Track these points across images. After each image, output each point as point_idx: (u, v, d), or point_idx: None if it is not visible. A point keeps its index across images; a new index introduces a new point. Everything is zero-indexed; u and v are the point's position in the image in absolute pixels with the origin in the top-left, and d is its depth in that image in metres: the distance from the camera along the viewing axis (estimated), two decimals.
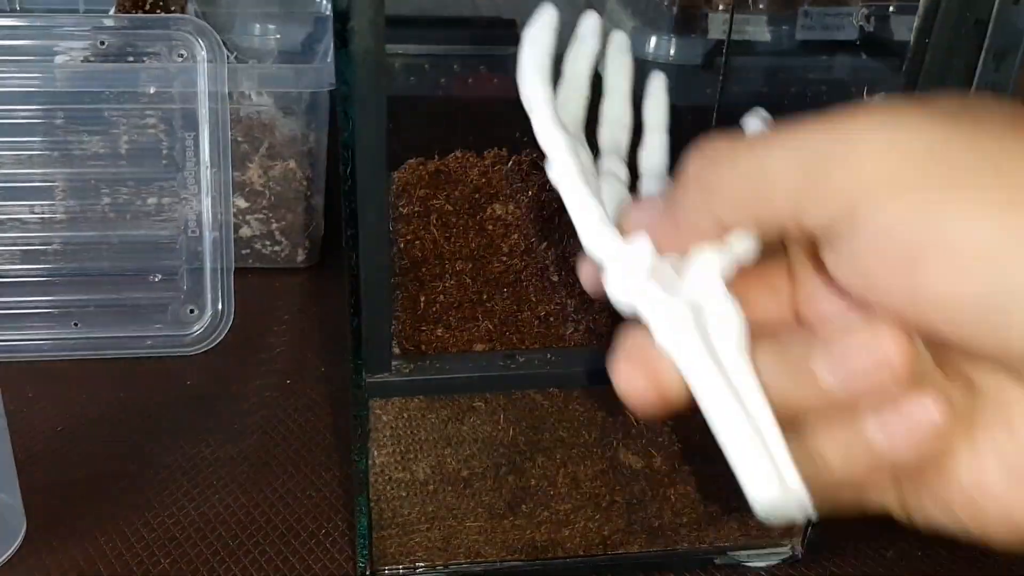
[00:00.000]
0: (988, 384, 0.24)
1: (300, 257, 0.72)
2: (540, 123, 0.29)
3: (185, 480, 0.52)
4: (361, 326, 0.38)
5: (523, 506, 0.45)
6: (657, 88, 0.35)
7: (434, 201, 0.53)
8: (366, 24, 0.32)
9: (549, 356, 0.41)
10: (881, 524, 0.49)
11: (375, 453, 0.42)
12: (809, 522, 0.47)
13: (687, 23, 0.78)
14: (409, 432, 0.43)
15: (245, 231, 0.70)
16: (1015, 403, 0.23)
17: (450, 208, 0.50)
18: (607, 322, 0.44)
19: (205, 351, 0.62)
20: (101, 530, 0.49)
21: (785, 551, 0.48)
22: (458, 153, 0.56)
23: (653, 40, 0.79)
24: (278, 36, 0.82)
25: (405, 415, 0.43)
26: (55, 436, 0.55)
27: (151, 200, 0.64)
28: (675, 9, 0.81)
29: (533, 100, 0.29)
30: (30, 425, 0.56)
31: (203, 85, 0.61)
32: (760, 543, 0.48)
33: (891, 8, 0.86)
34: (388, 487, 0.43)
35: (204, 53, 0.61)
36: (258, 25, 0.83)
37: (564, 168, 0.29)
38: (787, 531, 0.48)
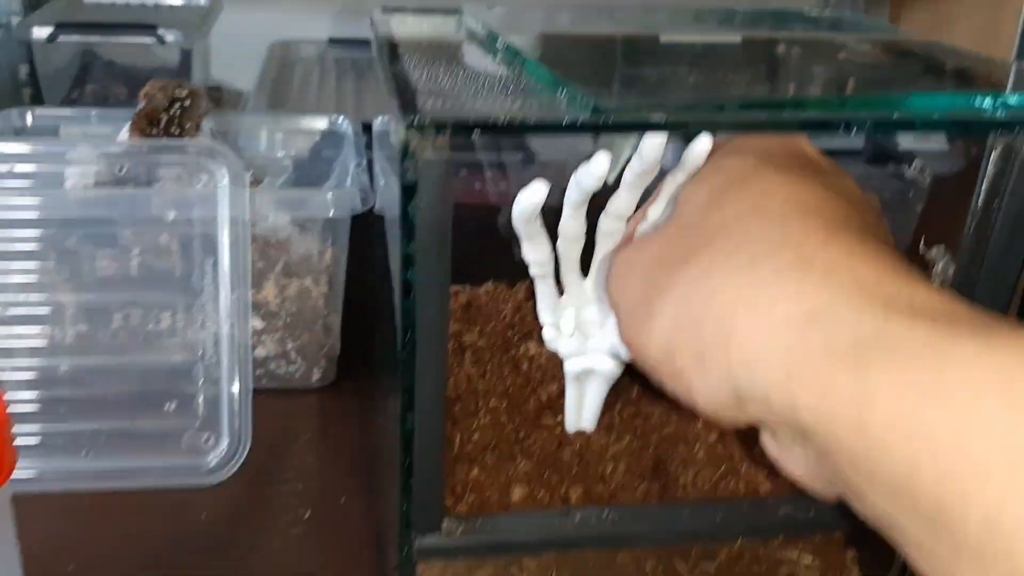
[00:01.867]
0: None
1: (315, 377, 0.70)
2: (527, 248, 0.40)
3: None
4: (413, 486, 0.36)
5: None
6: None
7: (466, 337, 0.52)
8: (432, 195, 0.31)
9: (607, 514, 0.39)
10: None
11: None
12: None
13: None
14: None
15: (259, 351, 0.69)
16: None
17: (483, 344, 0.49)
18: (650, 462, 0.43)
19: (221, 481, 0.60)
20: None
21: None
22: (490, 286, 0.55)
23: None
24: (286, 151, 0.82)
25: (449, 572, 0.41)
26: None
27: (164, 324, 0.63)
28: None
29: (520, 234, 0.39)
30: (38, 562, 0.52)
31: (224, 210, 0.60)
32: None
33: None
34: None
35: (225, 178, 0.60)
36: (265, 134, 0.82)
37: (538, 272, 0.41)
38: None
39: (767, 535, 0.41)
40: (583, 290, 0.43)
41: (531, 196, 0.38)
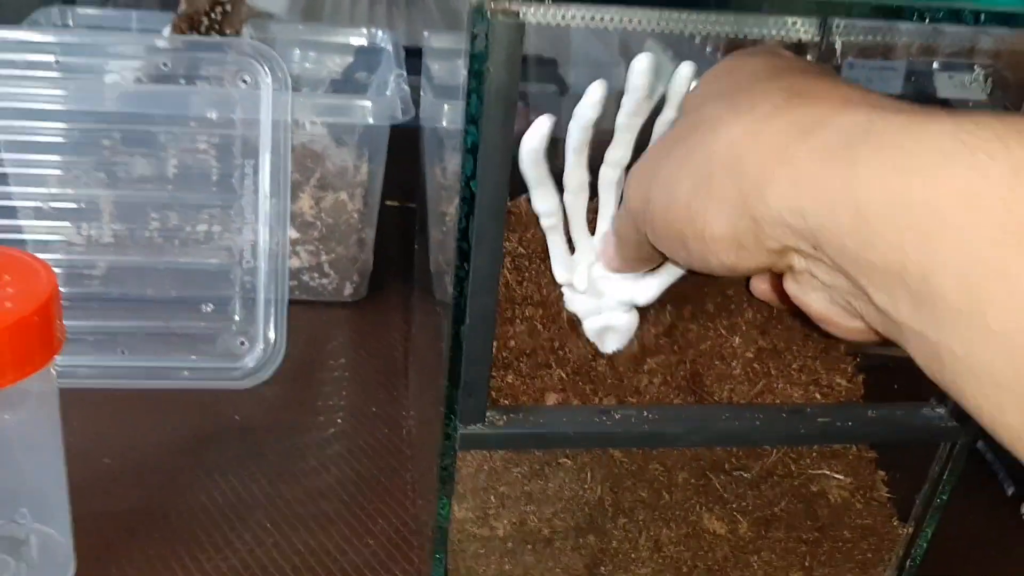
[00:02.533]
0: None
1: (347, 291, 0.71)
2: (535, 197, 0.41)
3: (237, 521, 0.50)
4: (461, 374, 0.36)
5: (601, 568, 0.43)
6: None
7: (506, 244, 0.52)
8: (502, 62, 0.31)
9: (646, 414, 0.39)
10: None
11: (454, 507, 0.41)
12: None
13: None
14: (491, 486, 0.41)
15: (294, 262, 0.69)
16: None
17: (523, 251, 0.49)
18: (685, 374, 0.43)
19: (255, 385, 0.60)
20: (153, 571, 0.47)
21: None
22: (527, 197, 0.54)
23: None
24: (323, 64, 0.81)
25: (486, 467, 0.41)
26: (102, 469, 0.53)
27: (201, 227, 0.63)
28: (719, 55, 0.80)
29: (529, 182, 0.40)
30: (75, 455, 0.53)
31: (266, 112, 0.60)
32: None
33: (935, 64, 0.86)
34: (466, 543, 0.42)
35: (269, 80, 0.59)
36: (298, 51, 0.82)
37: (549, 224, 0.42)
38: None
39: (803, 442, 0.41)
40: (592, 246, 0.43)
41: (536, 133, 0.38)
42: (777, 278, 0.36)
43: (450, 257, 0.36)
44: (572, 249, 0.43)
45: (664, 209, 0.34)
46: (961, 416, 0.40)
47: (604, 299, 0.43)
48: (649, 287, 0.42)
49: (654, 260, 0.39)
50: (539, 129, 0.39)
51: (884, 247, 0.27)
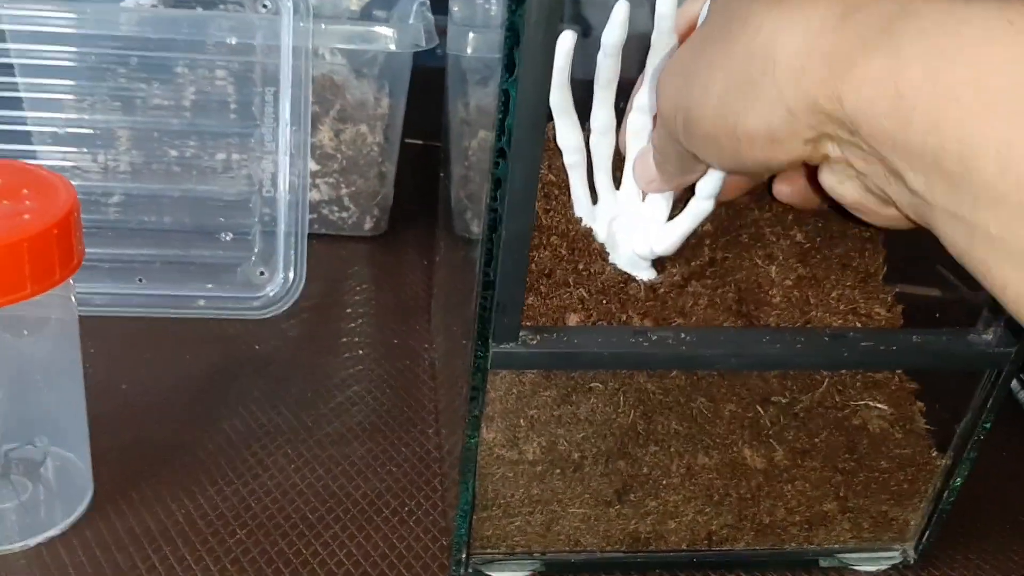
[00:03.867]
0: None
1: (368, 225, 0.70)
2: (559, 128, 0.41)
3: (258, 447, 0.50)
4: (495, 291, 0.35)
5: (632, 494, 0.42)
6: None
7: None
8: None
9: (683, 336, 0.38)
10: (1000, 534, 0.46)
11: (483, 429, 0.40)
12: (925, 527, 0.45)
13: None
14: (520, 409, 0.40)
15: (313, 195, 0.68)
16: None
17: (552, 179, 0.47)
18: (734, 296, 0.41)
19: (274, 316, 0.59)
20: (172, 495, 0.46)
21: (896, 556, 0.46)
22: None
23: None
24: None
25: (515, 390, 0.40)
26: (119, 396, 0.53)
27: (219, 156, 0.62)
28: None
29: (554, 109, 0.40)
30: (92, 383, 0.52)
31: (287, 39, 0.58)
32: (871, 546, 0.46)
33: None
34: (494, 466, 0.41)
35: (289, 5, 0.58)
36: None
37: (571, 161, 0.42)
38: (899, 535, 0.46)
39: (845, 367, 0.40)
40: (615, 200, 0.42)
41: (560, 50, 0.37)
42: (811, 171, 0.35)
43: (472, 191, 0.35)
44: (595, 199, 0.42)
45: (697, 107, 0.33)
46: (1010, 343, 0.39)
47: (620, 252, 0.42)
48: (670, 234, 0.40)
49: (696, 171, 0.37)
50: (563, 45, 0.38)
51: (923, 128, 0.27)
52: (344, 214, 0.69)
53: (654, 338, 0.38)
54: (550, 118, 0.53)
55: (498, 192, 0.33)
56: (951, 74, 0.26)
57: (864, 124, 0.29)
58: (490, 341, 0.36)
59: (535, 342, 0.37)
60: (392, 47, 0.62)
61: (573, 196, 0.42)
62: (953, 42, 0.26)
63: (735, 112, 0.32)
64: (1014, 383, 0.60)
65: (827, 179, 0.34)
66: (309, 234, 0.63)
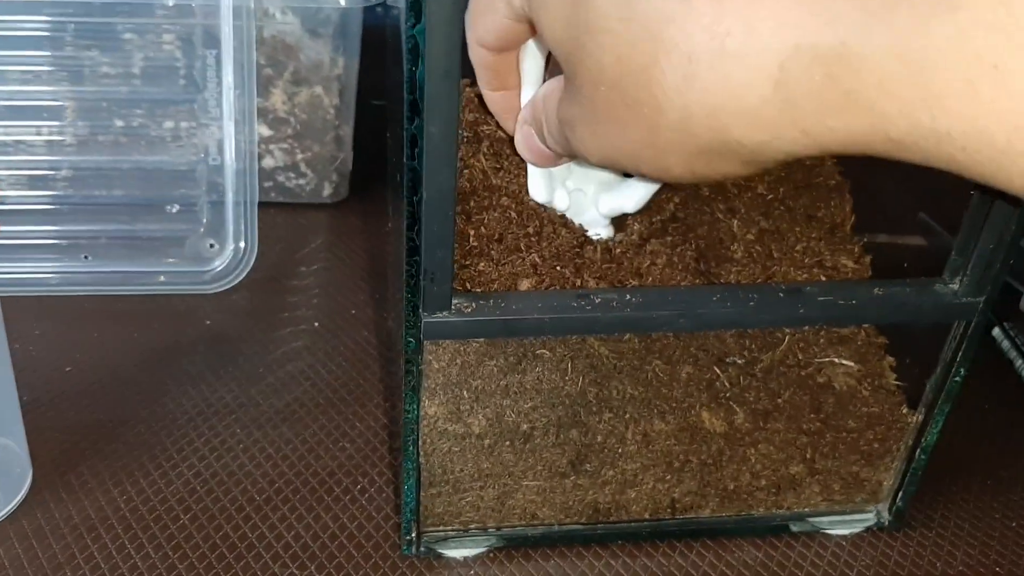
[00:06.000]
0: None
1: (327, 191, 0.67)
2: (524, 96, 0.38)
3: (206, 428, 0.48)
4: (421, 257, 0.33)
5: (587, 465, 0.40)
6: None
7: (484, 127, 0.48)
8: None
9: (628, 297, 0.36)
10: (979, 492, 0.45)
11: (425, 403, 0.38)
12: (899, 487, 0.43)
13: None
14: (464, 380, 0.38)
15: (268, 161, 0.65)
16: None
17: (503, 136, 0.45)
18: (693, 254, 0.39)
19: (226, 290, 0.57)
20: (115, 480, 0.45)
21: (870, 518, 0.44)
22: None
23: None
24: None
25: (459, 361, 0.38)
26: (63, 377, 0.51)
27: (167, 124, 0.59)
28: None
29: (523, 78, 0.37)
30: (36, 364, 0.51)
31: None
32: (843, 509, 0.44)
33: None
34: (439, 441, 0.39)
35: None
36: None
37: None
38: (872, 496, 0.44)
39: (802, 323, 0.38)
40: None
41: None
42: None
43: None
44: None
45: (654, 142, 0.29)
46: (976, 292, 0.37)
47: (585, 215, 0.39)
48: (636, 192, 0.38)
49: None
50: None
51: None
52: (301, 181, 0.66)
53: (597, 301, 0.36)
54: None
55: (415, 151, 0.31)
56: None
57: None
58: (420, 311, 0.34)
59: (470, 310, 0.35)
60: (342, 3, 0.59)
61: (529, 178, 0.39)
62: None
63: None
64: (997, 331, 0.57)
65: None
66: (266, 202, 0.61)
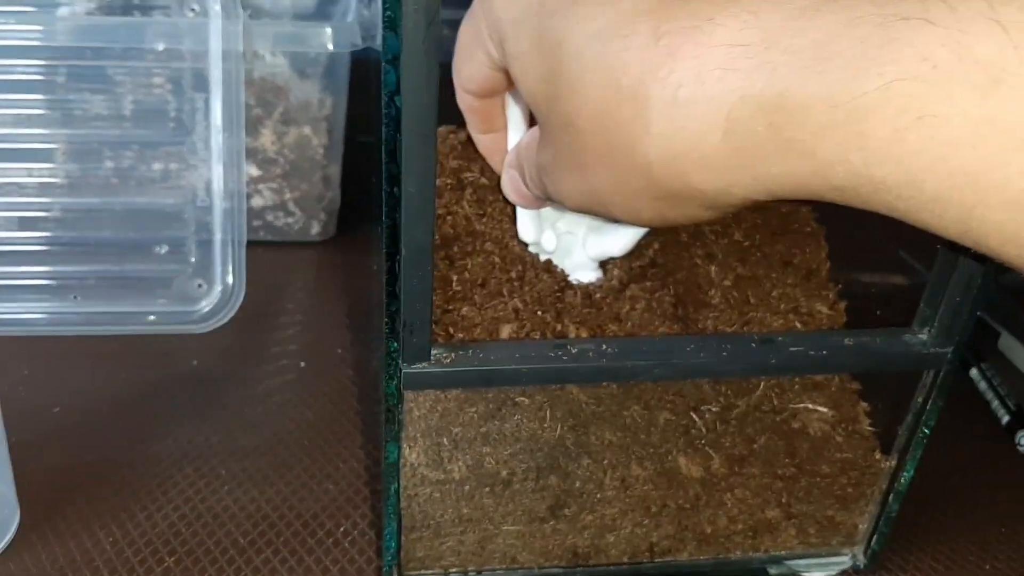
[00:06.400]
0: None
1: (315, 230, 0.68)
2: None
3: (191, 470, 0.48)
4: (400, 310, 0.34)
5: (565, 510, 0.41)
6: None
7: (467, 174, 0.49)
8: None
9: (605, 347, 0.36)
10: (954, 532, 0.45)
11: (406, 450, 0.38)
12: (873, 530, 0.44)
13: None
14: (444, 427, 0.39)
15: (257, 201, 0.66)
16: None
17: (486, 182, 0.46)
18: (671, 300, 0.40)
19: (213, 330, 0.58)
20: (100, 522, 0.45)
21: (845, 561, 0.45)
22: None
23: None
24: None
25: (439, 408, 0.39)
26: (50, 418, 0.51)
27: (157, 166, 0.60)
28: None
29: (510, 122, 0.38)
30: (24, 406, 0.51)
31: (216, 43, 0.56)
32: (819, 552, 0.44)
33: None
34: (420, 487, 0.39)
35: (218, 8, 0.56)
36: None
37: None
38: (848, 539, 0.44)
39: (774, 373, 0.39)
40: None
41: None
42: None
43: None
44: None
45: (627, 188, 0.29)
46: (945, 342, 0.38)
47: (573, 257, 0.40)
48: (623, 236, 0.39)
49: None
50: None
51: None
52: (290, 220, 0.67)
53: (574, 351, 0.36)
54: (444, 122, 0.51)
55: (393, 208, 0.32)
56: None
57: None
58: (400, 361, 0.35)
59: (448, 360, 0.36)
60: (329, 47, 0.60)
61: (519, 217, 0.40)
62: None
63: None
64: (974, 372, 0.58)
65: None
66: (254, 242, 0.62)
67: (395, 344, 0.35)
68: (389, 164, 0.31)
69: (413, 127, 0.30)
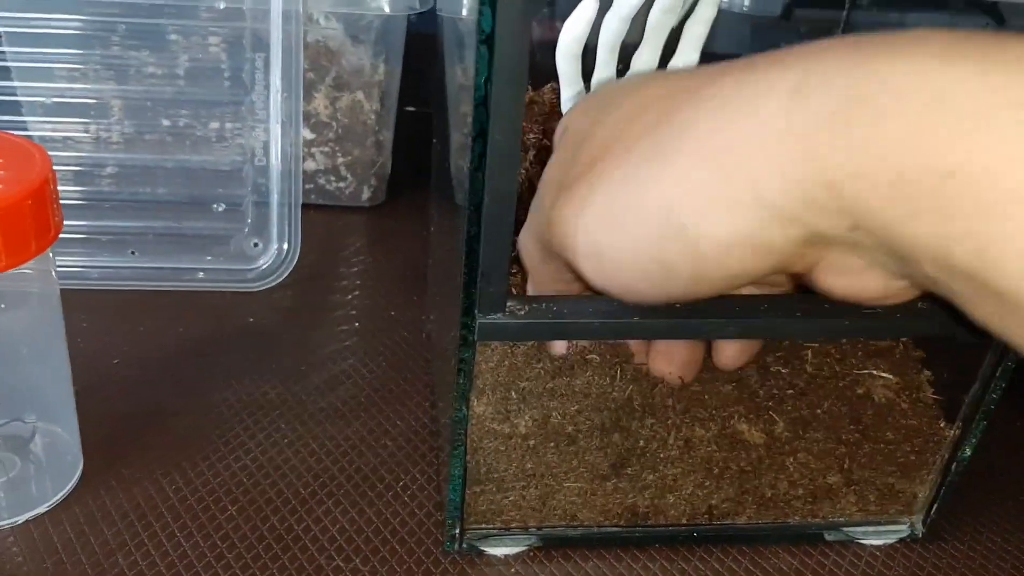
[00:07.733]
0: None
1: (365, 195, 0.68)
2: (565, 98, 0.40)
3: (251, 422, 0.49)
4: (479, 259, 0.34)
5: (628, 468, 0.41)
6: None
7: (529, 135, 0.49)
8: None
9: (677, 304, 0.36)
10: (1013, 506, 0.45)
11: (474, 402, 0.39)
12: (933, 500, 0.44)
13: None
14: (512, 381, 0.39)
15: (309, 164, 0.66)
16: None
17: (548, 143, 0.46)
18: None
19: (268, 288, 0.58)
20: (163, 470, 0.46)
21: (903, 529, 0.45)
22: (554, 84, 0.52)
23: None
24: None
25: (508, 362, 0.39)
26: (110, 369, 0.52)
27: (213, 125, 0.60)
28: None
29: (562, 78, 0.39)
30: (84, 356, 0.52)
31: (277, 3, 0.56)
32: (877, 519, 0.44)
33: None
34: (485, 440, 0.40)
35: None
36: None
37: None
38: (907, 508, 0.44)
39: (846, 335, 0.39)
40: None
41: (578, 19, 0.36)
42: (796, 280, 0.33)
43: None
44: None
45: (626, 239, 0.30)
46: None
47: None
48: None
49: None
50: (582, 14, 0.37)
51: (929, 217, 0.23)
52: (341, 184, 0.67)
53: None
54: (545, 81, 0.51)
55: (479, 154, 0.32)
56: (950, 156, 0.22)
57: (865, 212, 0.25)
58: (476, 312, 0.35)
59: (523, 312, 0.36)
60: (386, 9, 0.60)
61: None
62: (945, 115, 0.23)
63: (695, 226, 0.28)
64: None
65: (836, 281, 0.30)
66: (306, 204, 0.62)
67: (471, 294, 0.35)
68: (478, 110, 0.31)
69: (504, 74, 0.30)
